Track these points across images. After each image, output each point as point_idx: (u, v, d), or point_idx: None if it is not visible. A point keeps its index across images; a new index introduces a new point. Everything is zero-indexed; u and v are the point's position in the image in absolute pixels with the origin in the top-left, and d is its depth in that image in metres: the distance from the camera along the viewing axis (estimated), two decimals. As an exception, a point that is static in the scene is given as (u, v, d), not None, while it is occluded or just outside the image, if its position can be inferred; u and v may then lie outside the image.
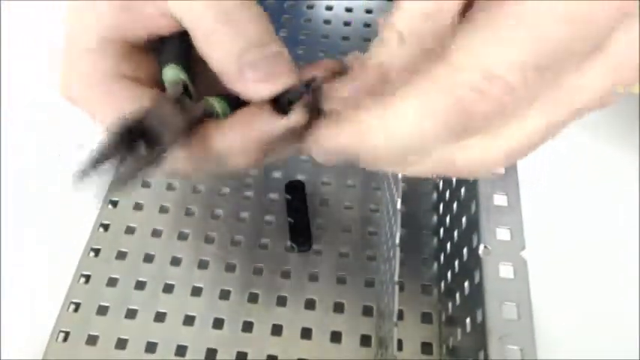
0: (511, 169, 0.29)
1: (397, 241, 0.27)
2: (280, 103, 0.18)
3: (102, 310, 0.35)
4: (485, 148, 0.16)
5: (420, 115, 0.14)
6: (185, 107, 0.18)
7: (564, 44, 0.13)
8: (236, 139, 0.18)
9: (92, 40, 0.19)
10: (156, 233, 0.38)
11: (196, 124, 0.19)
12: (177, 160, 0.19)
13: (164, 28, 0.19)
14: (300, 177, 0.40)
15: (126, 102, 0.18)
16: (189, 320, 0.34)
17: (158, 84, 0.20)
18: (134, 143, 0.17)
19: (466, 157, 0.16)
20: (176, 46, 0.20)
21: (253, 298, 0.35)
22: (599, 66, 0.14)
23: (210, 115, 0.19)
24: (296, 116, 0.18)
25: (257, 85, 0.17)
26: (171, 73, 0.19)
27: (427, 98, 0.14)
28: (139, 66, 0.20)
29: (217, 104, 0.19)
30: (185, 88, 0.19)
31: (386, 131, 0.15)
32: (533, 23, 0.13)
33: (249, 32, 0.17)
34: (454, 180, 0.34)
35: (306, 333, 0.34)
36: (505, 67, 0.13)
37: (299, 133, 0.18)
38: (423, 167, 0.16)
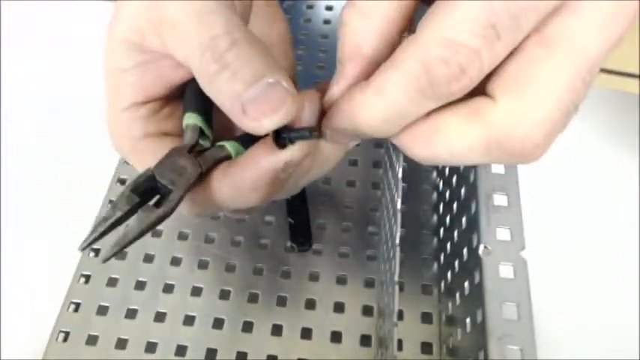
0: (511, 169, 0.29)
1: (397, 241, 0.27)
2: (281, 138, 0.19)
3: (102, 310, 0.35)
4: (530, 130, 0.16)
5: (397, 87, 0.16)
6: (200, 152, 0.20)
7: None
8: (241, 179, 0.19)
9: (124, 105, 0.21)
10: (156, 233, 0.38)
11: (210, 168, 0.20)
12: (189, 206, 0.20)
13: (184, 77, 0.21)
14: (300, 177, 0.40)
15: (151, 158, 0.20)
16: (189, 320, 0.34)
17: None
18: (145, 201, 0.19)
19: (509, 138, 0.17)
20: (193, 92, 0.21)
21: (253, 298, 0.35)
22: (587, 15, 0.15)
23: (225, 159, 0.20)
24: (297, 149, 0.19)
25: (260, 120, 0.18)
26: (188, 120, 0.21)
27: (400, 70, 0.16)
28: (166, 119, 0.22)
29: (230, 147, 0.20)
30: (202, 132, 0.21)
31: (373, 104, 0.17)
32: None
33: (244, 70, 0.18)
34: (454, 180, 0.34)
35: (306, 333, 0.34)
36: (460, 31, 0.15)
37: (303, 165, 0.20)
38: (412, 134, 0.18)
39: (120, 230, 0.18)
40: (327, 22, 0.50)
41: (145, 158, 0.20)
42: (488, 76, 0.16)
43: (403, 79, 0.16)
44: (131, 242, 0.18)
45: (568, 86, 0.15)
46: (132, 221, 0.18)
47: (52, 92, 0.46)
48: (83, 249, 0.19)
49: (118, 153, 0.23)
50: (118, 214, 0.18)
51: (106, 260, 0.18)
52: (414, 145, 0.18)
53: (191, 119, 0.21)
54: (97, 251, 0.37)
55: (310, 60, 0.47)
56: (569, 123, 0.16)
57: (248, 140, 0.20)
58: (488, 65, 0.15)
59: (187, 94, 0.22)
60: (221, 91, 0.18)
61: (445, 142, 0.17)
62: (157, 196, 0.19)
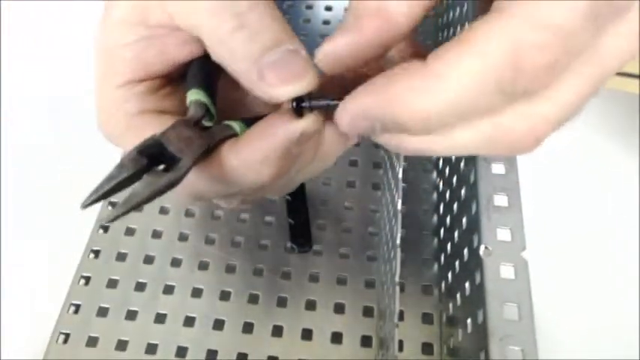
0: (512, 169, 0.29)
1: (398, 241, 0.27)
2: (300, 108, 0.18)
3: (102, 312, 0.35)
4: (529, 115, 0.15)
5: (470, 73, 0.13)
6: (205, 129, 0.19)
7: None
8: (253, 151, 0.18)
9: (120, 81, 0.20)
10: (156, 234, 0.38)
11: (216, 145, 0.19)
12: (197, 181, 0.19)
13: (188, 55, 0.20)
14: (300, 177, 0.40)
15: (149, 134, 0.18)
16: (189, 321, 0.34)
17: (185, 112, 0.20)
18: (152, 166, 0.17)
19: (511, 126, 0.15)
20: (199, 70, 0.20)
21: (254, 299, 0.35)
22: (625, 29, 0.14)
23: (231, 137, 0.19)
24: (313, 119, 0.17)
25: (279, 87, 0.17)
26: (193, 96, 0.20)
27: (478, 54, 0.13)
28: (164, 98, 0.20)
29: (237, 126, 0.19)
30: (207, 110, 0.20)
31: (431, 93, 0.14)
32: None
33: (265, 33, 0.17)
34: (454, 180, 0.34)
35: (307, 334, 0.34)
36: (566, 15, 0.12)
37: (304, 157, 0.18)
38: (453, 141, 0.15)
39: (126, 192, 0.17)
40: (326, 22, 0.49)
41: (142, 134, 0.18)
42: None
43: (482, 65, 0.13)
44: (137, 206, 0.17)
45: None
46: (138, 184, 0.17)
47: (52, 92, 0.46)
48: (85, 206, 0.17)
49: (106, 134, 0.21)
50: (124, 174, 0.17)
51: (110, 221, 0.17)
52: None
53: (196, 95, 0.20)
54: (97, 253, 0.37)
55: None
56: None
57: (254, 122, 0.19)
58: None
59: (191, 72, 0.20)
60: (235, 53, 0.17)
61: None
62: (163, 165, 0.18)
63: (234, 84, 0.19)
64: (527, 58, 0.13)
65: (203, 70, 0.19)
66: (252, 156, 0.18)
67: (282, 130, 0.17)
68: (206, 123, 0.20)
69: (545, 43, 0.12)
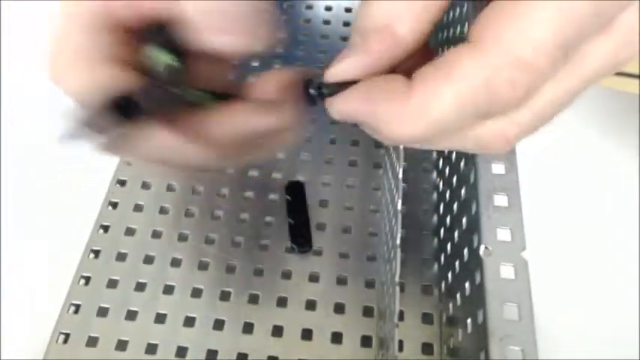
0: (512, 169, 0.29)
1: (398, 241, 0.27)
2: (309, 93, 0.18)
3: (102, 312, 0.35)
4: (505, 124, 0.16)
5: (450, 104, 0.14)
6: (171, 93, 0.19)
7: (587, 20, 0.13)
8: (227, 126, 0.18)
9: (82, 20, 0.19)
10: (156, 234, 0.38)
11: (185, 109, 0.19)
12: (164, 142, 0.18)
13: (156, 12, 0.19)
14: (300, 177, 0.40)
15: (111, 83, 0.17)
16: (189, 321, 0.34)
17: (144, 72, 0.19)
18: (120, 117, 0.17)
19: (485, 133, 0.16)
20: (166, 35, 0.20)
21: (254, 299, 0.35)
22: (608, 41, 0.15)
23: (196, 105, 0.19)
24: (282, 115, 0.18)
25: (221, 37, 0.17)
26: (164, 58, 0.19)
27: (457, 86, 0.14)
28: (126, 51, 0.19)
29: (205, 95, 0.19)
30: (175, 75, 0.19)
31: (412, 114, 0.15)
32: (559, 2, 0.13)
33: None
34: (454, 180, 0.34)
35: (307, 334, 0.34)
36: (534, 52, 0.14)
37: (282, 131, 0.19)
38: (440, 145, 0.17)
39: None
40: (326, 22, 0.49)
41: (104, 84, 0.17)
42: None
43: (459, 94, 0.14)
44: (99, 132, 0.16)
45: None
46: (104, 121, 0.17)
47: (52, 92, 0.46)
48: (61, 141, 0.16)
49: (55, 79, 0.20)
50: (94, 116, 0.17)
51: (69, 139, 0.16)
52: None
53: (166, 58, 0.19)
54: (97, 253, 0.37)
55: (310, 60, 0.47)
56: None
57: (223, 96, 0.19)
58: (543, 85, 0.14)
59: (158, 36, 0.20)
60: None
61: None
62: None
63: (201, 57, 0.19)
64: (501, 90, 0.14)
65: (170, 37, 0.19)
66: (226, 130, 0.18)
67: (253, 118, 0.18)
68: (173, 89, 0.19)
69: (517, 78, 0.14)
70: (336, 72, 0.17)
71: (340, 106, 0.17)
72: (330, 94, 0.17)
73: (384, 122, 0.16)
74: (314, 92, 0.18)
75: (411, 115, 0.15)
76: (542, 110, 0.16)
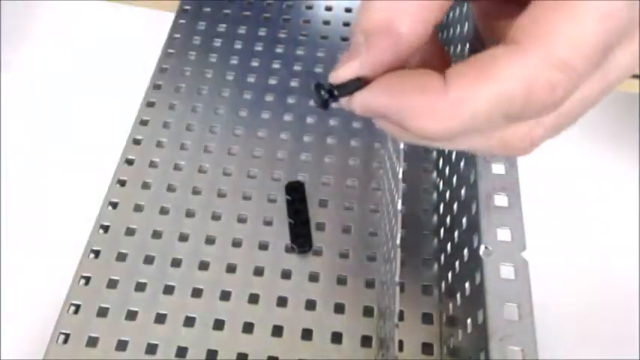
0: (512, 169, 0.29)
1: (398, 241, 0.27)
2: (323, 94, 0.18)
3: (102, 312, 0.35)
4: (532, 125, 0.16)
5: (485, 103, 0.14)
6: None
7: (624, 22, 0.13)
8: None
9: None
10: (156, 234, 0.38)
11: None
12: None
13: None
14: (300, 177, 0.40)
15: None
16: (189, 321, 0.34)
17: None
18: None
19: (512, 135, 0.16)
20: None
21: (254, 299, 0.35)
22: (631, 47, 0.15)
23: None
24: None
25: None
26: None
27: (495, 85, 0.14)
28: None
29: None
30: None
31: (443, 114, 0.15)
32: (598, 2, 0.13)
33: None
34: (454, 180, 0.34)
35: (307, 334, 0.34)
36: (576, 54, 0.13)
37: None
38: (464, 144, 0.17)
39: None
40: (326, 22, 0.49)
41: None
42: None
43: (498, 92, 0.14)
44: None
45: (605, 12, 0.13)
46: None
47: (52, 92, 0.46)
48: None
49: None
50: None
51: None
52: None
53: None
54: (97, 253, 0.37)
55: (310, 61, 0.47)
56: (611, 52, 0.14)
57: None
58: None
59: None
60: None
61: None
62: None
63: None
64: (538, 93, 0.14)
65: None
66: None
67: None
68: None
69: (558, 81, 0.13)
70: (342, 73, 0.17)
71: (367, 100, 0.16)
72: (342, 95, 0.17)
73: (416, 116, 0.15)
74: (326, 95, 0.17)
75: (448, 110, 0.15)
76: (569, 111, 0.15)
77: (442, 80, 0.15)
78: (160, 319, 0.34)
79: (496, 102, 0.14)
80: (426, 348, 0.33)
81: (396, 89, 0.16)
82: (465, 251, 0.29)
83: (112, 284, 0.36)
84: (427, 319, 0.34)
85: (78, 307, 0.35)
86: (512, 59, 0.14)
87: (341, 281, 0.36)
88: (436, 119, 0.15)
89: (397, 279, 0.26)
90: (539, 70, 0.13)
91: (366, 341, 0.33)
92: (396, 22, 0.15)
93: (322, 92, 0.17)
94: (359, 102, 0.17)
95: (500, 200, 0.28)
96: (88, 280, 0.36)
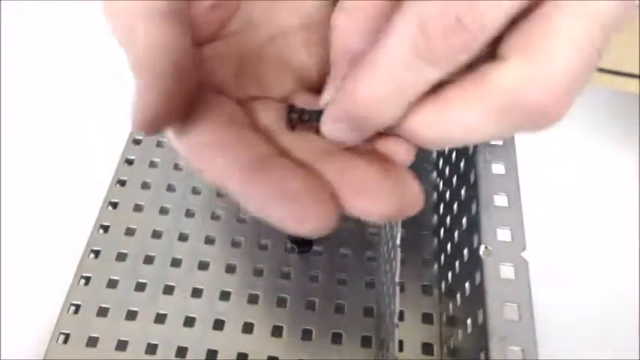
0: (511, 169, 0.29)
1: (398, 241, 0.27)
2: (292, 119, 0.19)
3: (102, 312, 0.35)
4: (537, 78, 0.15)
5: (392, 55, 0.14)
6: None
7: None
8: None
9: None
10: (156, 234, 0.38)
11: None
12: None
13: None
14: (300, 178, 0.40)
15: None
16: (189, 321, 0.34)
17: None
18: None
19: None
20: None
21: (254, 299, 0.35)
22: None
23: None
24: None
25: None
26: None
27: (395, 38, 0.14)
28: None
29: None
30: None
31: (369, 80, 0.15)
32: None
33: None
34: (454, 180, 0.34)
35: (307, 334, 0.34)
36: None
37: None
38: (418, 114, 0.17)
39: None
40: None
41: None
42: (497, 42, 0.15)
43: (397, 44, 0.14)
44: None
45: (586, 34, 0.14)
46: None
47: (52, 91, 0.46)
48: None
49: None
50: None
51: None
52: (422, 126, 0.16)
53: None
54: (97, 253, 0.37)
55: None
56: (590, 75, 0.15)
57: None
58: (491, 20, 0.14)
59: None
60: None
61: (455, 115, 0.15)
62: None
63: None
64: (431, 26, 0.14)
65: None
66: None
67: None
68: None
69: (442, 9, 0.14)
70: (324, 101, 0.18)
71: (327, 116, 0.17)
72: (311, 120, 0.18)
73: (352, 97, 0.16)
74: (295, 117, 0.18)
75: (365, 75, 0.15)
76: (557, 47, 0.15)
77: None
78: (160, 319, 0.34)
79: (400, 46, 0.14)
80: (426, 348, 0.33)
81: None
82: (465, 251, 0.29)
83: (112, 284, 0.36)
84: (427, 319, 0.34)
85: (78, 307, 0.35)
86: (402, 10, 0.14)
87: (341, 281, 0.36)
88: (362, 86, 0.15)
89: (397, 279, 0.26)
90: (425, 7, 0.14)
91: (366, 341, 0.33)
92: (350, 43, 0.17)
93: (292, 113, 0.18)
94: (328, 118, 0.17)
95: (500, 200, 0.28)
96: (88, 280, 0.36)
